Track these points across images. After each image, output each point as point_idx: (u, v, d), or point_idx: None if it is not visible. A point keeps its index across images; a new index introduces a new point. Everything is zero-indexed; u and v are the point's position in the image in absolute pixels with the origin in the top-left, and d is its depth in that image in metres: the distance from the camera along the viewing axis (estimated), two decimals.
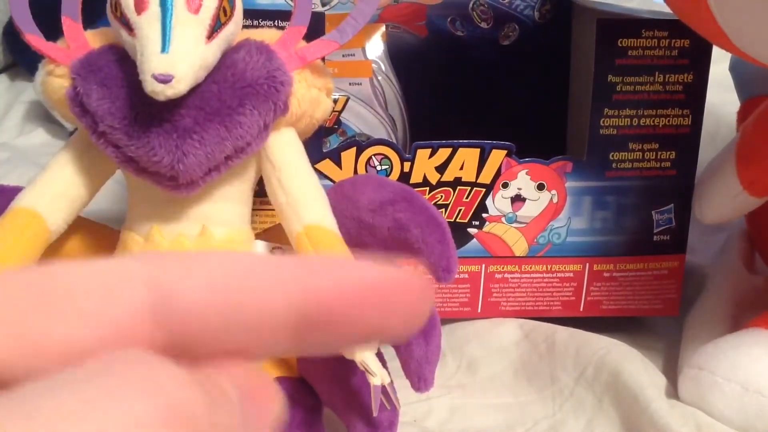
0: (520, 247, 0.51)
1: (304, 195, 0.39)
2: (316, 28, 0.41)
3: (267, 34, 0.39)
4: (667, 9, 0.45)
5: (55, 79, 0.38)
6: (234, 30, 0.37)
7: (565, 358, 0.48)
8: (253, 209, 0.42)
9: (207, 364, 0.13)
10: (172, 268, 0.13)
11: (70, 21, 0.39)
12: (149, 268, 0.13)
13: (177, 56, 0.34)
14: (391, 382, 0.36)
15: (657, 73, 0.49)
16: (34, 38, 0.39)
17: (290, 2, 0.55)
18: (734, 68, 0.58)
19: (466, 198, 0.50)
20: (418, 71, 0.63)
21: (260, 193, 0.41)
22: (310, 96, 0.39)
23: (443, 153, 0.49)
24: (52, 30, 0.39)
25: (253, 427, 0.13)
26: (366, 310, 0.14)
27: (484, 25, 0.64)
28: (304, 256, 0.13)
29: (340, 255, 0.38)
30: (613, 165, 0.50)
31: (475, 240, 0.51)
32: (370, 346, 0.13)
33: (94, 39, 0.39)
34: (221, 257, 0.14)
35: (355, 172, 0.49)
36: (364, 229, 0.40)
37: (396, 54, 0.62)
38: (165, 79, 0.33)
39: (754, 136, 0.49)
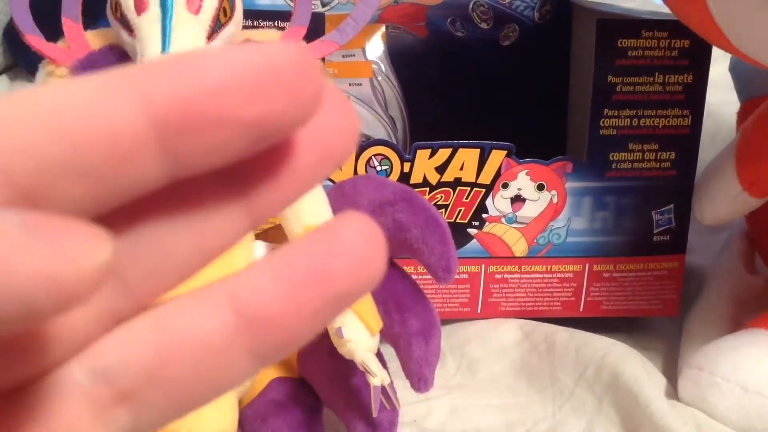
0: (520, 248, 0.51)
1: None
2: (316, 28, 0.41)
3: (267, 35, 0.39)
4: (667, 9, 0.45)
5: (56, 79, 0.38)
6: (234, 30, 0.37)
7: (565, 359, 0.49)
8: None
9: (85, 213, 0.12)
10: None
11: (71, 22, 0.39)
12: None
13: None
14: (391, 382, 0.36)
15: (657, 73, 0.49)
16: (35, 39, 0.39)
17: (290, 3, 0.55)
18: (734, 69, 0.58)
19: (466, 198, 0.50)
20: (418, 72, 0.63)
21: None
22: None
23: (443, 153, 0.49)
24: (52, 31, 0.39)
25: (50, 251, 0.11)
26: (233, 100, 0.12)
27: (484, 25, 0.64)
28: (142, 65, 0.12)
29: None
30: (613, 165, 0.50)
31: (474, 240, 0.51)
32: (261, 140, 0.12)
33: (94, 40, 0.39)
34: (32, 97, 0.12)
35: (355, 172, 0.49)
36: None
37: (396, 54, 0.62)
38: None
39: (754, 136, 0.49)
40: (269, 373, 0.42)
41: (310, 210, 0.38)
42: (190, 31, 0.35)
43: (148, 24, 0.34)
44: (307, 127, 0.13)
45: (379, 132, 0.58)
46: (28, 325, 0.11)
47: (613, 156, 0.50)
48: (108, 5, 0.37)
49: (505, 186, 0.50)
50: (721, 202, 0.49)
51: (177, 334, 0.13)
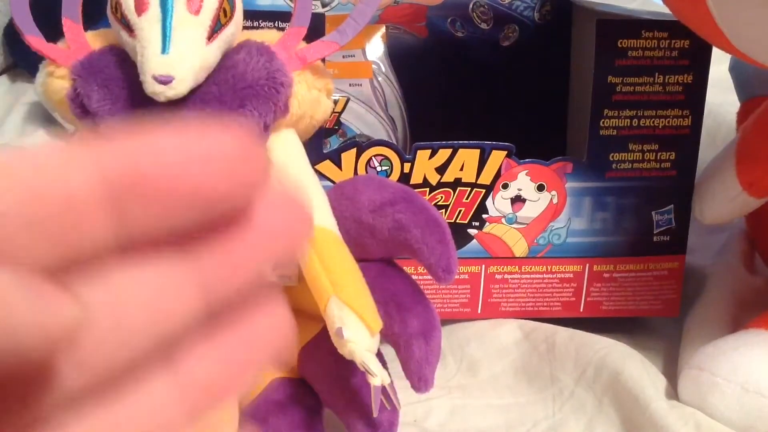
0: (520, 248, 0.51)
1: None
2: (316, 29, 0.41)
3: (267, 36, 0.39)
4: (667, 10, 0.45)
5: (56, 80, 0.38)
6: (234, 31, 0.37)
7: (565, 359, 0.49)
8: None
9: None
10: None
11: (71, 22, 0.39)
12: None
13: (177, 57, 0.34)
14: (392, 382, 0.36)
15: (657, 73, 0.49)
16: (35, 39, 0.39)
17: (290, 3, 0.55)
18: (734, 69, 0.58)
19: (466, 199, 0.50)
20: (419, 72, 0.63)
21: None
22: (310, 97, 0.39)
23: (443, 154, 0.49)
24: (52, 31, 0.39)
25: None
26: (178, 173, 0.13)
27: (484, 26, 0.64)
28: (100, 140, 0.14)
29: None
30: (613, 166, 0.50)
31: (475, 241, 0.51)
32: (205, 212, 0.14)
33: (94, 40, 0.39)
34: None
35: (356, 173, 0.49)
36: (365, 230, 0.40)
37: (396, 55, 0.62)
38: (165, 81, 0.33)
39: (754, 136, 0.49)
40: (269, 373, 0.42)
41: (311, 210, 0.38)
42: (190, 31, 0.35)
43: (148, 24, 0.34)
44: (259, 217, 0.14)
45: (379, 132, 0.58)
46: (14, 366, 0.12)
47: (613, 156, 0.50)
48: (108, 5, 0.37)
49: (506, 186, 0.50)
50: (721, 202, 0.50)
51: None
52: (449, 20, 0.64)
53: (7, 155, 0.13)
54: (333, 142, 0.57)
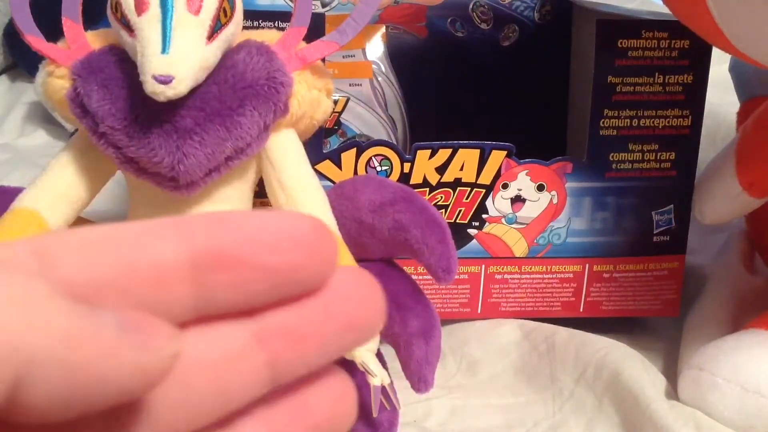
0: (520, 248, 0.51)
1: (304, 196, 0.39)
2: (316, 29, 0.41)
3: (267, 35, 0.39)
4: (667, 10, 0.45)
5: (56, 80, 0.38)
6: (234, 31, 0.37)
7: (565, 359, 0.49)
8: (254, 210, 0.42)
9: None
10: (60, 251, 0.14)
11: (71, 22, 0.39)
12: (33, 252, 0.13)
13: (177, 57, 0.34)
14: (391, 382, 0.36)
15: (657, 73, 0.49)
16: (35, 39, 0.39)
17: (290, 3, 0.55)
18: (734, 69, 0.58)
19: (466, 199, 0.50)
20: (419, 72, 0.64)
21: (260, 193, 0.41)
22: (310, 97, 0.39)
23: (443, 154, 0.49)
24: (52, 31, 0.39)
25: (133, 344, 0.13)
26: (257, 250, 0.14)
27: (484, 26, 0.64)
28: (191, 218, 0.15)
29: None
30: (613, 166, 0.50)
31: (475, 241, 0.51)
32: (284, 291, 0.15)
33: (94, 40, 0.39)
34: (99, 229, 0.14)
35: (355, 172, 0.49)
36: (364, 230, 0.40)
37: (396, 55, 0.62)
38: (165, 80, 0.33)
39: (754, 136, 0.49)
40: None
41: (311, 210, 0.38)
42: (190, 31, 0.35)
43: (148, 24, 0.34)
44: (331, 299, 0.15)
45: (379, 132, 0.58)
46: (119, 402, 0.13)
47: (613, 156, 0.50)
48: (108, 5, 0.37)
49: (505, 186, 0.50)
50: (721, 202, 0.50)
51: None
52: (449, 20, 0.64)
53: (107, 229, 0.14)
54: (333, 142, 0.57)
